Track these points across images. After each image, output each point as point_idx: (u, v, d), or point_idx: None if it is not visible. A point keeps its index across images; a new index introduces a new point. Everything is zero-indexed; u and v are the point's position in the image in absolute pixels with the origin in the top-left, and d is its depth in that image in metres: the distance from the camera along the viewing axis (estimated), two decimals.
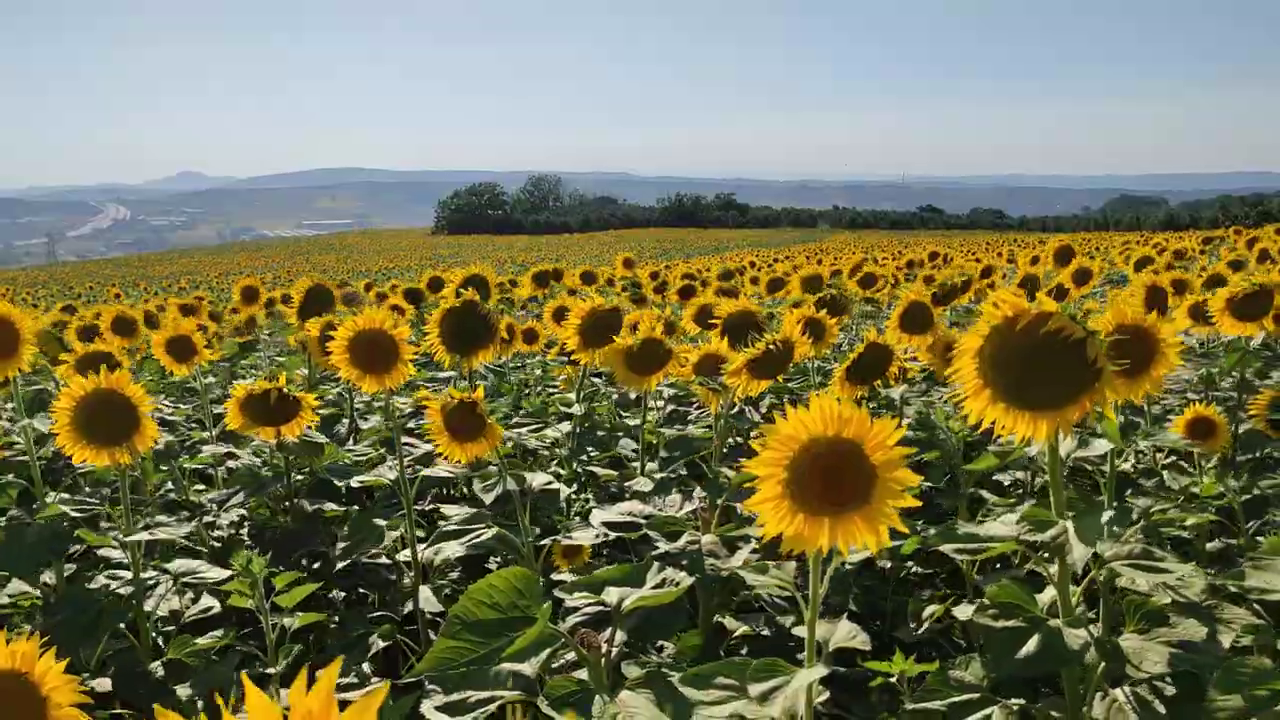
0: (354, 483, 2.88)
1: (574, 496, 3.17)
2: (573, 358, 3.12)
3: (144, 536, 2.37)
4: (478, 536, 2.30)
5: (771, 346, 2.44)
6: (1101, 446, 2.05)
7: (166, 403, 4.45)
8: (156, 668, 2.30)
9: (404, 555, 2.81)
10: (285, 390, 2.72)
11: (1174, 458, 3.07)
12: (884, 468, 1.24)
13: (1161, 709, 1.50)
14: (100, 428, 2.29)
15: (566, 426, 3.44)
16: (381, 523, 2.72)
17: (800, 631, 1.67)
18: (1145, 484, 2.72)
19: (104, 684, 2.21)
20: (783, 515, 1.26)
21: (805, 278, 4.99)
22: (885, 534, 1.25)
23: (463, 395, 2.39)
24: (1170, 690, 1.55)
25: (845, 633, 1.63)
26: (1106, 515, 1.57)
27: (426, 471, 2.76)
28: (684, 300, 7.08)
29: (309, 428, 2.86)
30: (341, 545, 2.72)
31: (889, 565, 2.73)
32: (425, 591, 2.61)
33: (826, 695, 1.69)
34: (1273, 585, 1.57)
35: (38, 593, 2.57)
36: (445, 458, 2.49)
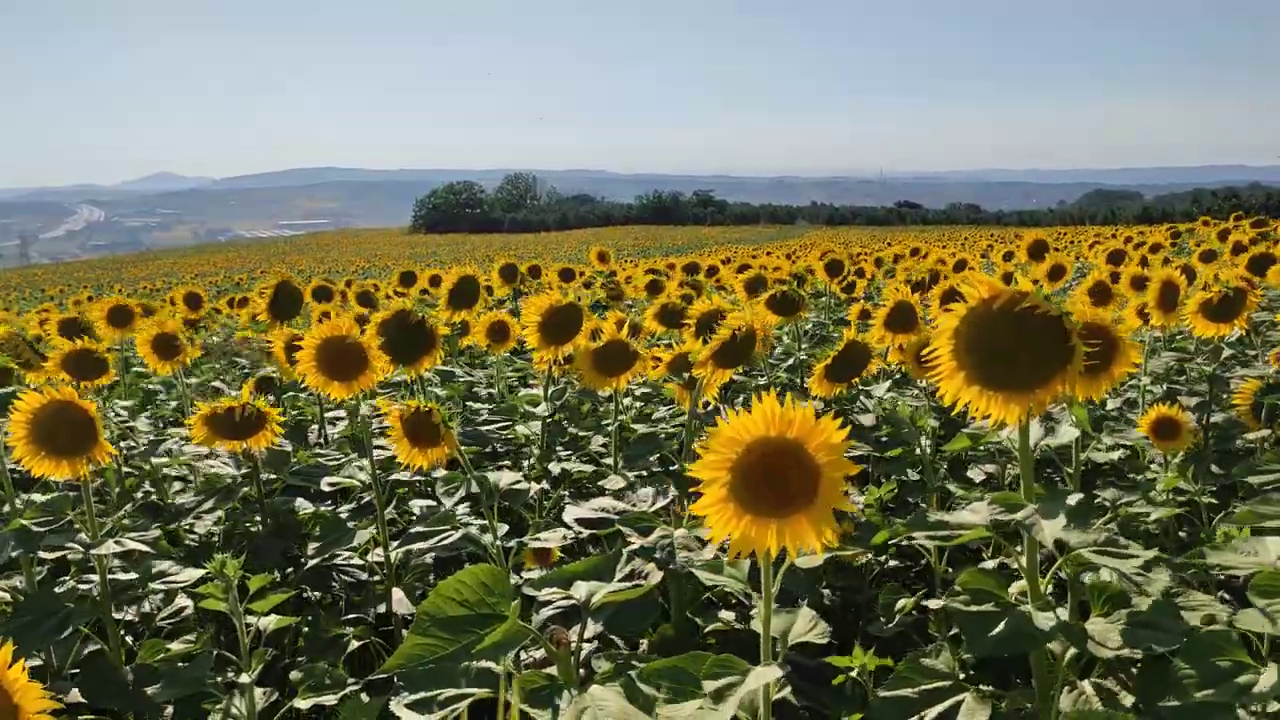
0: (325, 486, 2.86)
1: (548, 493, 3.16)
2: (533, 356, 3.10)
3: (111, 549, 2.33)
4: (445, 538, 2.29)
5: (734, 333, 2.45)
6: (1068, 434, 2.06)
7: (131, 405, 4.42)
8: (127, 672, 2.27)
9: (374, 556, 2.80)
10: (250, 406, 2.70)
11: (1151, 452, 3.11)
12: (829, 467, 1.20)
13: (1127, 700, 1.53)
14: (59, 440, 2.28)
15: (538, 425, 3.44)
16: (351, 524, 2.71)
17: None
18: (1134, 477, 2.73)
19: (74, 690, 2.19)
20: (728, 519, 1.23)
21: (747, 281, 5.14)
22: (832, 536, 1.21)
23: (419, 404, 2.38)
24: (1135, 674, 1.57)
25: (805, 624, 1.61)
26: (1073, 499, 1.60)
27: (397, 476, 2.74)
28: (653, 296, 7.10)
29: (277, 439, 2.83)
30: (314, 547, 2.71)
31: (867, 559, 2.73)
32: (398, 593, 2.60)
33: (789, 689, 1.68)
34: (1229, 563, 1.61)
35: (7, 595, 2.54)
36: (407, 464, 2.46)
